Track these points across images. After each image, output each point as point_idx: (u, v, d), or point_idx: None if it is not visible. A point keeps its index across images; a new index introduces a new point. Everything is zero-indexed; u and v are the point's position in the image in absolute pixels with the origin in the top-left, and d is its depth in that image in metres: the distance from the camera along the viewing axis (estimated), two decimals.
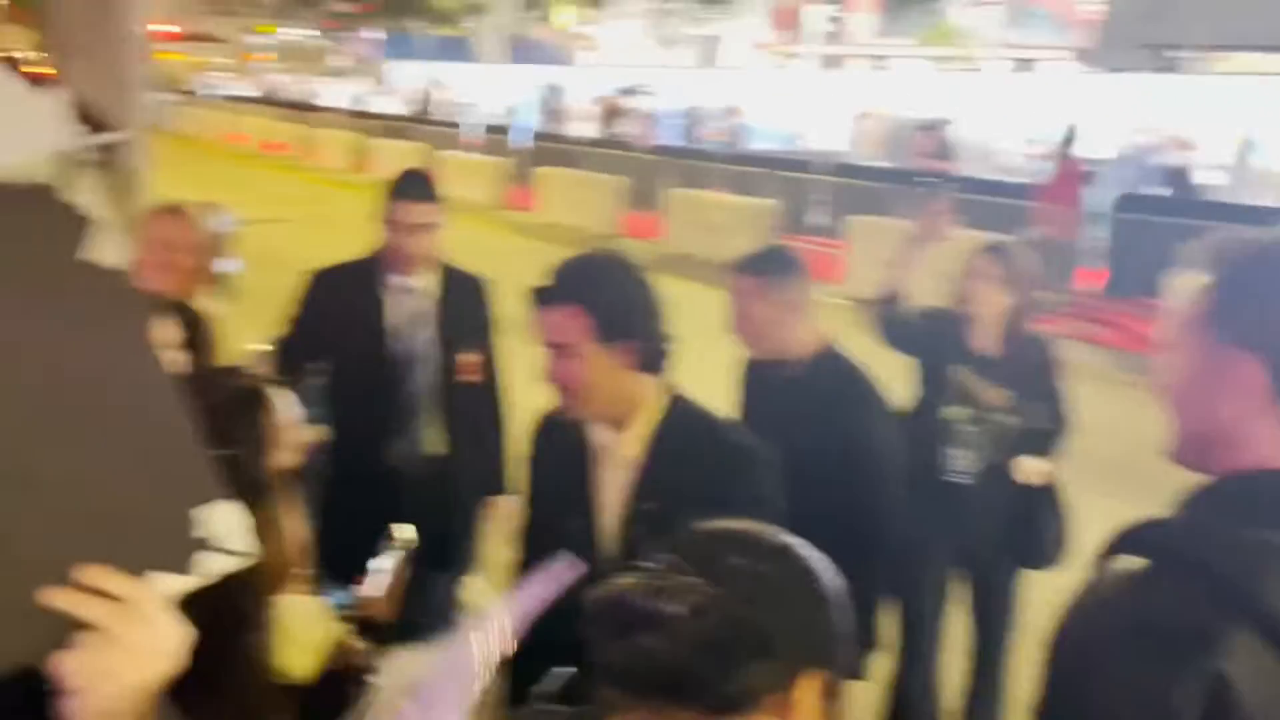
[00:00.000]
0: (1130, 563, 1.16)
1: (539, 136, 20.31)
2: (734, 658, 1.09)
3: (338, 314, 3.34)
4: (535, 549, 2.29)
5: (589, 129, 21.32)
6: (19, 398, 0.87)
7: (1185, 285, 9.07)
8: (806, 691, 1.13)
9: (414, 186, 3.29)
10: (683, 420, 2.15)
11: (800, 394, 2.81)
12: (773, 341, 2.85)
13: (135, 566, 0.91)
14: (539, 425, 2.37)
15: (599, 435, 2.18)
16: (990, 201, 12.22)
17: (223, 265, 5.20)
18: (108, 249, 0.90)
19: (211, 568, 0.94)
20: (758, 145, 19.30)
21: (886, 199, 13.41)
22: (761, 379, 3.00)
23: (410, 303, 3.35)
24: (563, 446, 2.23)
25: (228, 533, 0.95)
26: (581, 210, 15.73)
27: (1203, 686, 1.07)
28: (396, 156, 19.40)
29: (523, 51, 37.61)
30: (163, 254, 3.07)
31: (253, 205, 14.19)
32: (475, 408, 3.47)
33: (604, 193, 15.69)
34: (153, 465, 0.92)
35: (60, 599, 0.88)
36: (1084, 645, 1.18)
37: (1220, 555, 1.13)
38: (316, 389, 3.52)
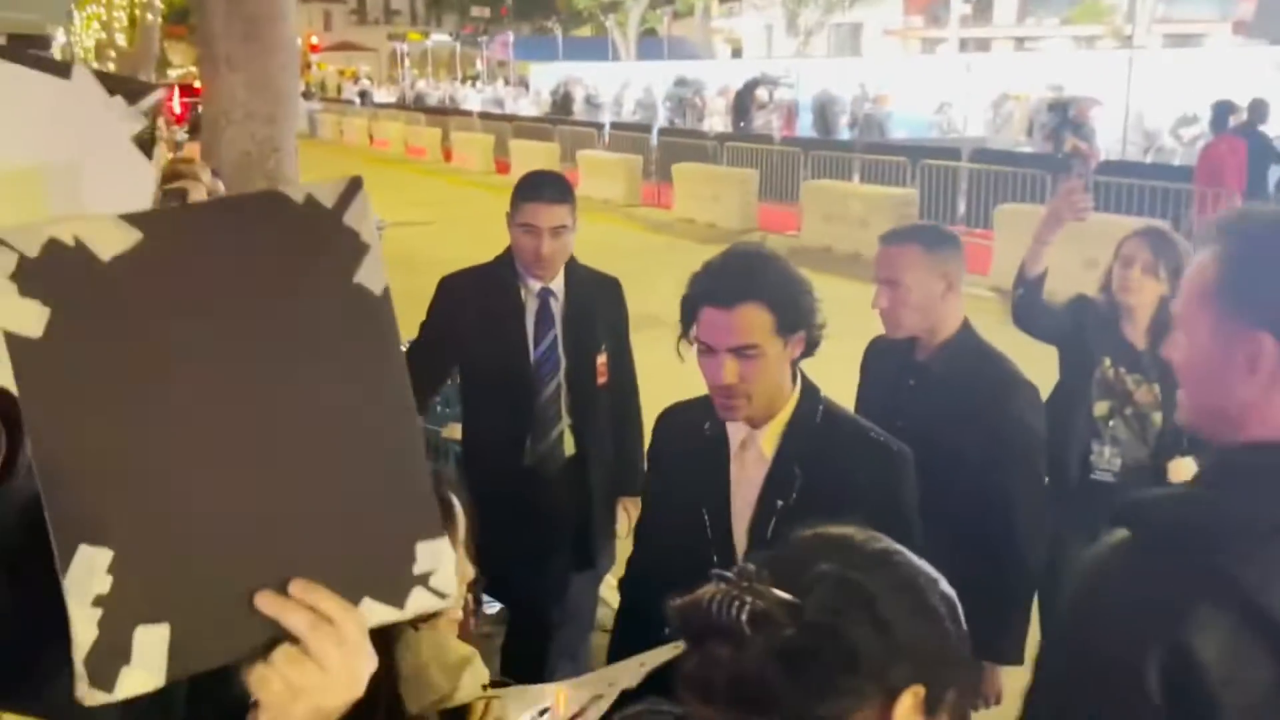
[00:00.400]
0: (1120, 534, 1.21)
1: (675, 133, 20.34)
2: (813, 672, 1.01)
3: (471, 318, 3.32)
4: (656, 548, 2.27)
5: (726, 124, 21.26)
6: (285, 408, 0.89)
7: None
8: (909, 710, 1.04)
9: (545, 188, 3.24)
10: (818, 415, 2.12)
11: (939, 377, 2.71)
12: (923, 319, 2.74)
13: (352, 592, 0.90)
14: (667, 420, 2.33)
15: (735, 431, 2.14)
16: (1142, 185, 11.65)
17: None
18: (375, 274, 0.90)
19: (420, 605, 0.93)
20: (899, 133, 18.89)
21: (1032, 185, 12.94)
22: (895, 361, 2.85)
23: (543, 305, 3.33)
24: (694, 442, 2.19)
25: (442, 572, 0.93)
26: (717, 206, 15.67)
27: (1169, 658, 1.10)
28: (534, 157, 19.70)
29: (661, 47, 37.70)
30: None
31: (395, 208, 14.65)
32: (610, 409, 3.45)
33: (739, 187, 15.59)
34: (388, 494, 0.92)
35: (273, 605, 0.88)
36: (1068, 614, 1.27)
37: (1194, 530, 1.16)
38: (452, 391, 3.56)
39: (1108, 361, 3.29)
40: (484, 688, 1.61)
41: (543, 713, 1.56)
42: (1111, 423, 3.28)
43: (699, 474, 2.17)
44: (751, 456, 2.12)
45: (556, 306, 3.33)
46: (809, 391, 2.14)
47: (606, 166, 18.88)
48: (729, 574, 1.07)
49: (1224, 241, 1.27)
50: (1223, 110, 11.25)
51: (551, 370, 3.33)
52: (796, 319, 2.03)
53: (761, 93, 20.07)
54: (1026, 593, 2.75)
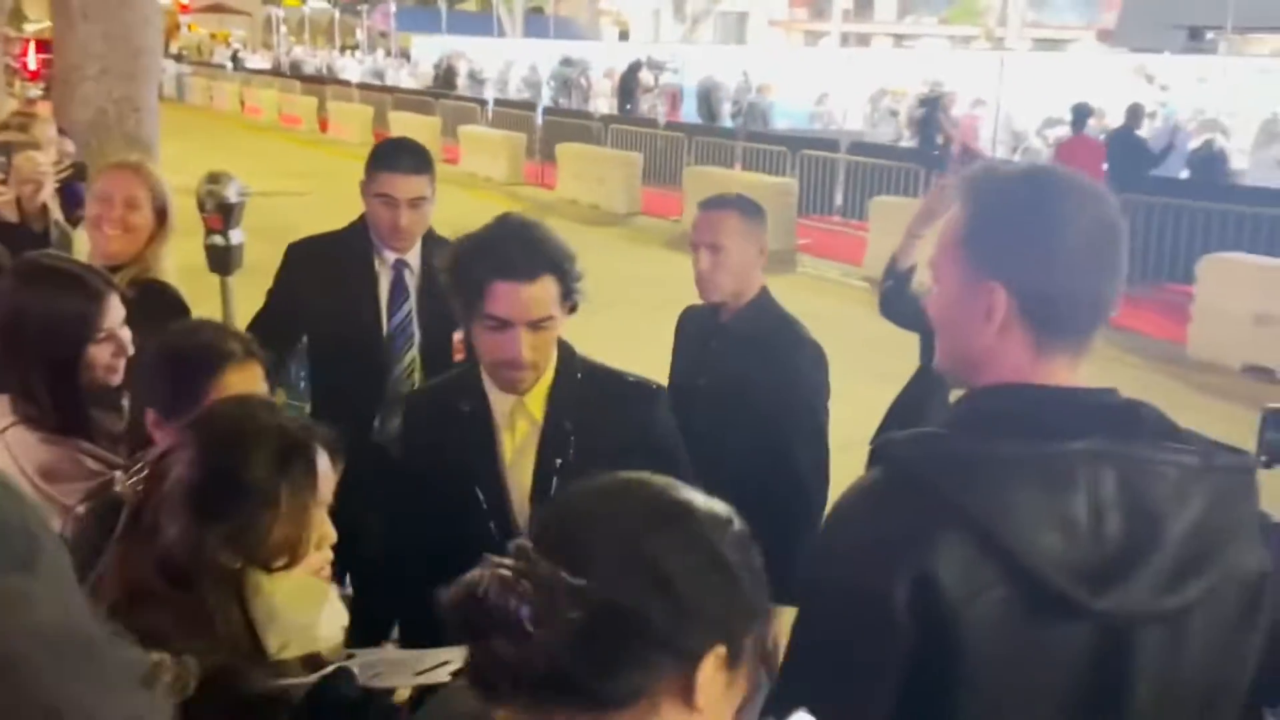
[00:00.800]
0: (872, 474, 1.33)
1: (560, 112, 20.16)
2: (606, 652, 0.96)
3: (321, 287, 3.18)
4: (421, 541, 2.22)
5: (611, 105, 21.17)
6: None
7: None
8: (712, 670, 1.00)
9: (403, 157, 3.11)
10: (579, 372, 2.21)
11: (737, 336, 2.91)
12: (735, 282, 2.92)
13: None
14: (415, 407, 2.36)
15: (501, 402, 2.18)
16: None
17: (230, 236, 5.13)
18: None
19: None
20: (780, 123, 19.10)
21: (907, 179, 13.23)
22: (701, 325, 3.05)
23: (397, 278, 3.20)
24: (454, 424, 2.19)
25: None
26: (601, 187, 15.59)
27: (914, 582, 1.20)
28: (415, 130, 19.27)
29: (547, 25, 37.36)
30: (119, 211, 2.96)
31: (268, 178, 14.14)
32: None
33: (624, 169, 15.54)
34: None
35: None
36: (823, 548, 1.40)
37: (931, 465, 1.27)
38: (300, 365, 3.40)
39: None
40: (349, 655, 1.58)
41: (440, 665, 1.52)
42: None
43: (465, 454, 2.17)
44: (522, 423, 2.18)
45: (411, 279, 3.21)
46: (566, 351, 2.22)
47: (489, 143, 18.60)
48: (502, 559, 0.99)
49: (968, 197, 1.36)
50: (1083, 112, 11.69)
51: (405, 345, 3.21)
52: (572, 287, 2.09)
53: (646, 76, 20.06)
54: (810, 529, 2.81)
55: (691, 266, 2.96)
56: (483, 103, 22.19)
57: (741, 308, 2.96)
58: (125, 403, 2.16)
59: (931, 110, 15.22)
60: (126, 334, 2.16)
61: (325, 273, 3.19)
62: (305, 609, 1.56)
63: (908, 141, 16.41)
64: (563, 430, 2.15)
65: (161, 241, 3.00)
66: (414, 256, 3.21)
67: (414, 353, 3.21)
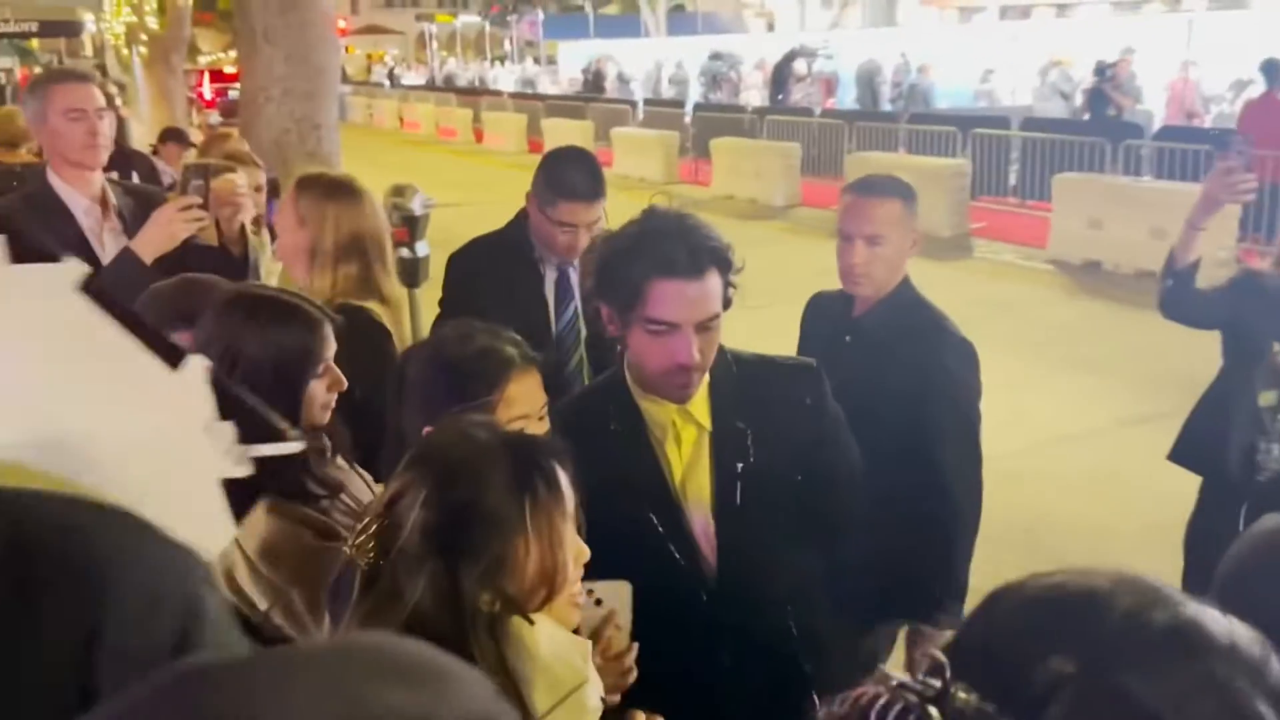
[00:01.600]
0: None
1: (711, 108, 19.91)
2: None
3: (489, 291, 3.02)
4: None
5: (762, 98, 20.80)
6: None
7: None
8: None
9: (584, 185, 2.95)
10: (733, 366, 2.04)
11: (874, 330, 2.70)
12: (891, 276, 2.70)
13: None
14: (562, 420, 2.04)
15: (660, 414, 1.98)
16: (1202, 150, 11.14)
17: (416, 249, 5.10)
18: None
19: None
20: (942, 103, 18.38)
21: (1089, 154, 12.47)
22: (832, 318, 2.82)
23: (561, 276, 3.11)
24: (606, 445, 1.95)
25: None
26: (758, 181, 15.28)
27: None
28: (567, 135, 19.36)
29: (691, 22, 37.16)
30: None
31: (429, 191, 14.35)
32: None
33: (781, 161, 15.18)
34: None
35: None
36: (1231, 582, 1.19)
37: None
38: None
39: (1278, 346, 2.93)
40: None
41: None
42: None
43: (627, 477, 1.94)
44: (689, 431, 1.97)
45: (575, 276, 3.09)
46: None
47: (642, 144, 18.51)
48: (904, 678, 0.72)
49: None
50: (1273, 69, 10.64)
51: (574, 343, 3.11)
52: (731, 280, 1.93)
53: (800, 65, 19.56)
54: (958, 537, 2.64)
55: (839, 257, 2.71)
56: (633, 104, 22.12)
57: (882, 300, 2.72)
58: (328, 442, 2.01)
59: (1103, 80, 14.31)
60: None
61: (492, 277, 3.07)
62: (572, 664, 1.37)
63: (1082, 115, 15.48)
64: (737, 431, 1.97)
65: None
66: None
67: (581, 350, 3.11)
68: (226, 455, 0.91)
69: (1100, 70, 14.40)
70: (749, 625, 2.00)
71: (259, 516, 1.80)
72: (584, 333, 3.10)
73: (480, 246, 3.17)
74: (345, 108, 34.49)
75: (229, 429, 0.92)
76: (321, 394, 1.95)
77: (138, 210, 3.12)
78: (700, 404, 1.98)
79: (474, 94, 29.72)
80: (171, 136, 6.79)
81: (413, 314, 5.10)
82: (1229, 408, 2.94)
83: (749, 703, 2.05)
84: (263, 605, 1.73)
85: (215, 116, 16.77)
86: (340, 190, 2.72)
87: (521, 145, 22.87)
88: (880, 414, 2.43)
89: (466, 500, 1.32)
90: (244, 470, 0.92)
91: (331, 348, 1.97)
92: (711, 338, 1.90)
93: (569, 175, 2.97)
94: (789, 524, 2.03)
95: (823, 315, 2.89)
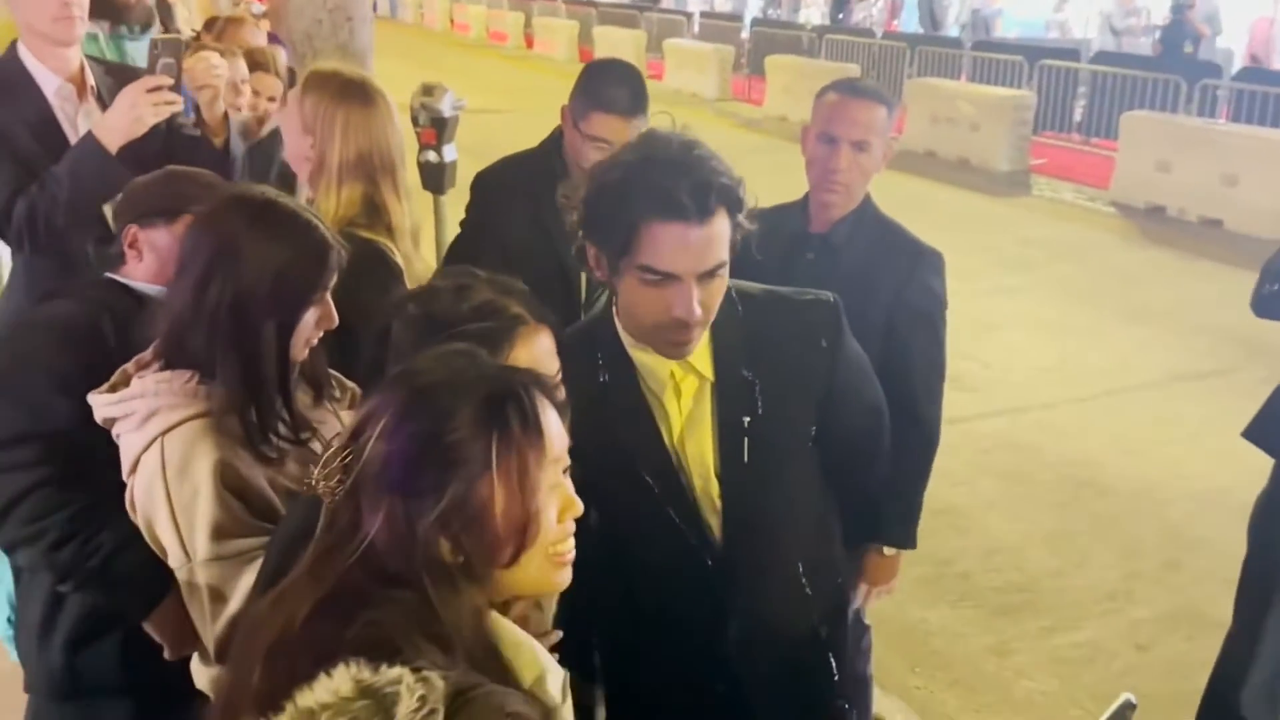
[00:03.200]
0: None
1: (769, 24, 19.26)
2: None
3: (515, 219, 2.80)
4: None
5: (823, 16, 20.09)
6: None
7: None
8: None
9: (621, 97, 2.65)
10: (738, 306, 1.79)
11: (838, 248, 2.55)
12: (864, 188, 2.55)
13: None
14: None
15: (657, 366, 1.74)
16: None
17: (443, 152, 4.83)
18: None
19: None
20: (1010, 33, 17.65)
21: (1162, 92, 11.88)
22: (785, 235, 2.55)
23: None
24: (594, 401, 1.66)
25: None
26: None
27: None
28: (620, 45, 18.81)
29: None
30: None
31: (475, 95, 14.02)
32: None
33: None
34: None
35: None
36: None
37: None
38: None
39: None
40: None
41: None
42: None
43: (616, 434, 1.70)
44: (689, 383, 1.74)
45: None
46: None
47: (696, 57, 17.95)
48: None
49: None
50: None
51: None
52: (741, 222, 1.66)
53: None
54: (924, 468, 2.56)
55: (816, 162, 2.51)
56: (689, 15, 21.46)
57: (851, 213, 2.55)
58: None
59: (1179, 14, 13.59)
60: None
61: (518, 202, 2.81)
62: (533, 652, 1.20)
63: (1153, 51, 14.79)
64: (743, 381, 1.74)
65: None
66: None
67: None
68: None
69: (1177, 5, 13.68)
70: (758, 595, 1.79)
71: (216, 449, 1.61)
72: None
73: (508, 166, 2.89)
74: (396, 6, 33.92)
75: None
76: (309, 327, 1.72)
77: (120, 92, 2.73)
78: (701, 351, 1.74)
79: None
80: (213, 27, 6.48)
81: (438, 221, 4.86)
82: None
83: (762, 679, 1.85)
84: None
85: (258, 7, 16.38)
86: (354, 92, 2.34)
87: (573, 53, 22.34)
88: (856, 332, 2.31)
89: (427, 432, 1.14)
90: None
91: (332, 278, 1.73)
92: (716, 288, 1.64)
93: (606, 86, 2.71)
94: (801, 483, 1.81)
95: (773, 232, 2.61)
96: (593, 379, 1.73)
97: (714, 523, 1.76)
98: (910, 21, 19.80)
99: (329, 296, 1.73)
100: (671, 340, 1.68)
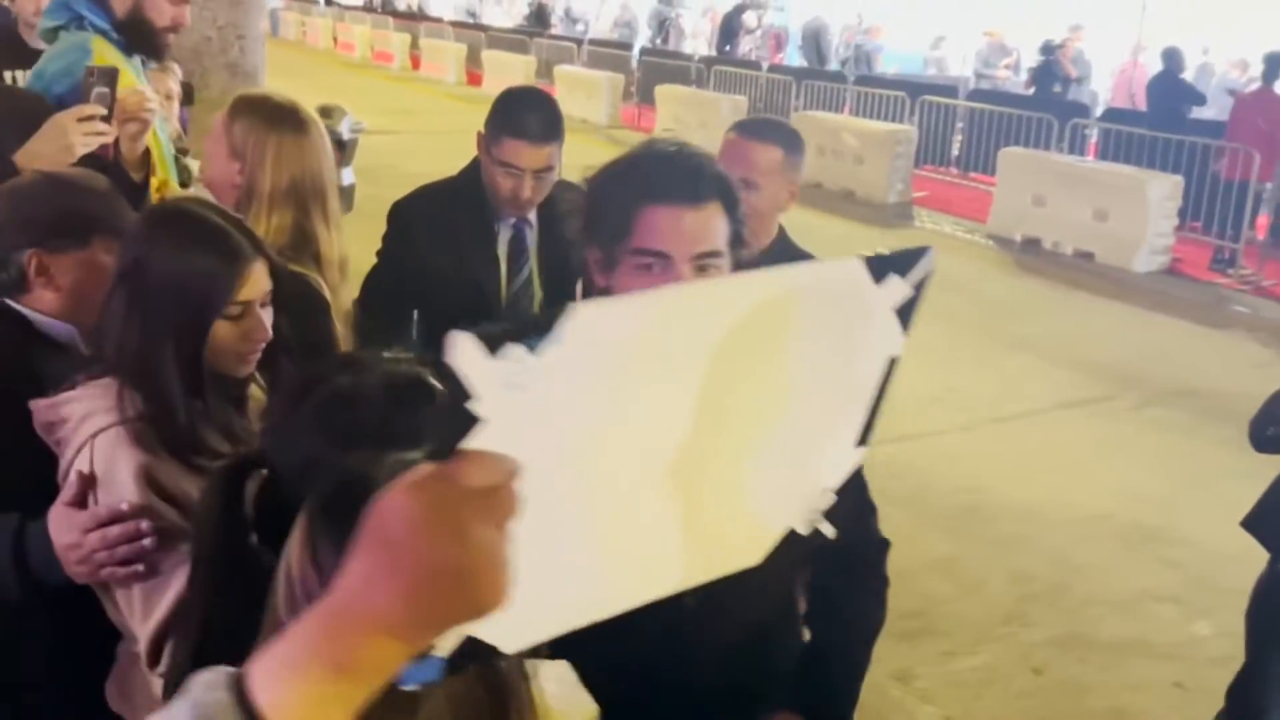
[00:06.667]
0: None
1: (658, 53, 19.47)
2: None
3: (435, 252, 2.78)
4: None
5: (710, 46, 20.40)
6: None
7: None
8: None
9: (531, 123, 2.67)
10: None
11: None
12: (766, 231, 2.57)
13: None
14: None
15: None
16: (1155, 136, 11.12)
17: (341, 175, 4.72)
18: None
19: None
20: (889, 69, 18.18)
21: (1036, 129, 12.38)
22: None
23: (517, 235, 2.83)
24: None
25: None
26: (703, 132, 14.94)
27: None
28: (509, 70, 18.78)
29: None
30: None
31: (362, 115, 13.83)
32: None
33: (729, 114, 14.85)
34: None
35: None
36: None
37: None
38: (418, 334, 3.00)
39: None
40: None
41: None
42: None
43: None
44: None
45: (532, 236, 2.82)
46: None
47: (587, 84, 18.03)
48: None
49: None
50: (1273, 63, 10.40)
51: (529, 308, 2.86)
52: (741, 225, 1.66)
53: (750, 17, 19.22)
54: None
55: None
56: (578, 42, 21.56)
57: (763, 253, 2.53)
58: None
59: (1050, 55, 14.23)
60: (267, 315, 1.71)
61: (438, 234, 2.79)
62: None
63: (1024, 89, 15.43)
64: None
65: None
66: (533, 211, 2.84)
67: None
68: None
69: (1047, 48, 14.32)
70: (727, 639, 1.76)
71: (134, 458, 1.57)
72: (539, 296, 2.84)
73: (427, 196, 2.86)
74: (277, 23, 33.22)
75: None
76: (234, 339, 1.66)
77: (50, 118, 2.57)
78: None
79: (413, 19, 28.80)
80: None
81: None
82: None
83: (717, 654, 1.81)
84: None
85: None
86: (286, 119, 2.29)
87: (460, 76, 22.21)
88: None
89: None
90: None
91: (256, 289, 1.68)
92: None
93: (517, 112, 2.72)
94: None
95: None
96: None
97: None
98: (796, 55, 20.26)
99: (259, 309, 1.68)
100: None
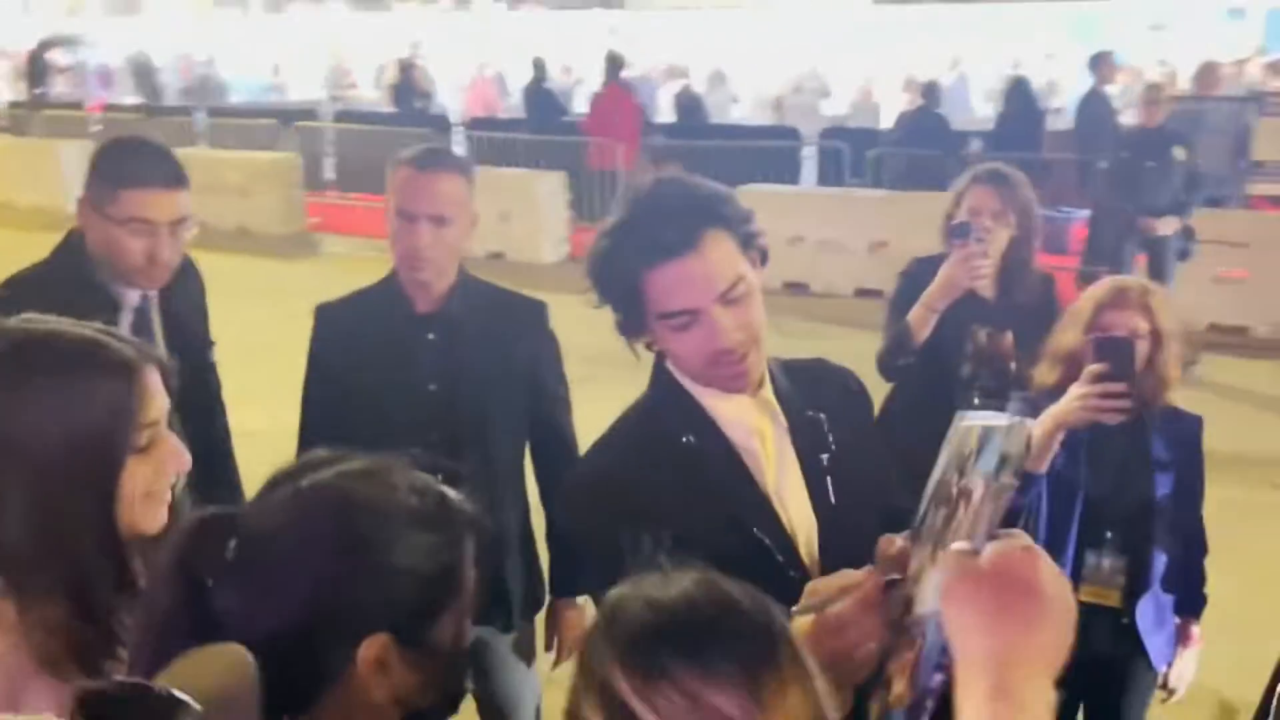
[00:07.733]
0: None
1: None
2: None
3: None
4: None
5: (16, 92, 18.00)
6: None
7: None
8: (368, 661, 1.03)
9: (153, 168, 2.34)
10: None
11: (460, 320, 2.47)
12: (452, 262, 2.46)
13: None
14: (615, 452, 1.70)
15: (739, 413, 1.63)
16: (532, 139, 12.08)
17: None
18: None
19: None
20: (236, 98, 17.54)
21: (397, 143, 12.77)
22: (393, 320, 2.48)
23: (140, 315, 2.42)
24: (682, 469, 1.62)
25: None
26: (36, 186, 13.21)
27: None
28: None
29: None
30: None
31: None
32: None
33: (56, 161, 13.26)
34: None
35: None
36: None
37: None
38: None
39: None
40: None
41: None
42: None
43: (720, 496, 1.58)
44: (765, 426, 1.62)
45: (156, 316, 2.47)
46: None
47: None
48: None
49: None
50: (613, 64, 11.82)
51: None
52: (749, 234, 1.59)
53: (61, 55, 17.27)
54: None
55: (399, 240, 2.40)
56: None
57: (455, 285, 2.47)
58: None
59: (407, 74, 14.85)
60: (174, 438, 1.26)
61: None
62: None
63: (387, 107, 15.91)
64: (811, 420, 1.64)
65: None
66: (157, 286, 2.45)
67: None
68: None
69: (405, 65, 14.85)
70: None
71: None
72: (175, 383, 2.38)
73: (19, 288, 2.30)
74: None
75: None
76: (145, 477, 1.21)
77: None
78: (767, 387, 1.63)
79: None
80: None
81: None
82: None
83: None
84: None
85: None
86: None
87: None
88: (509, 400, 2.51)
89: None
90: None
91: (155, 405, 1.23)
92: (746, 308, 1.53)
93: (126, 160, 2.35)
94: (877, 523, 1.73)
95: (370, 322, 2.48)
96: (675, 441, 1.56)
97: (816, 573, 1.59)
98: (127, 91, 18.65)
99: (164, 427, 1.26)
100: (728, 374, 1.56)
